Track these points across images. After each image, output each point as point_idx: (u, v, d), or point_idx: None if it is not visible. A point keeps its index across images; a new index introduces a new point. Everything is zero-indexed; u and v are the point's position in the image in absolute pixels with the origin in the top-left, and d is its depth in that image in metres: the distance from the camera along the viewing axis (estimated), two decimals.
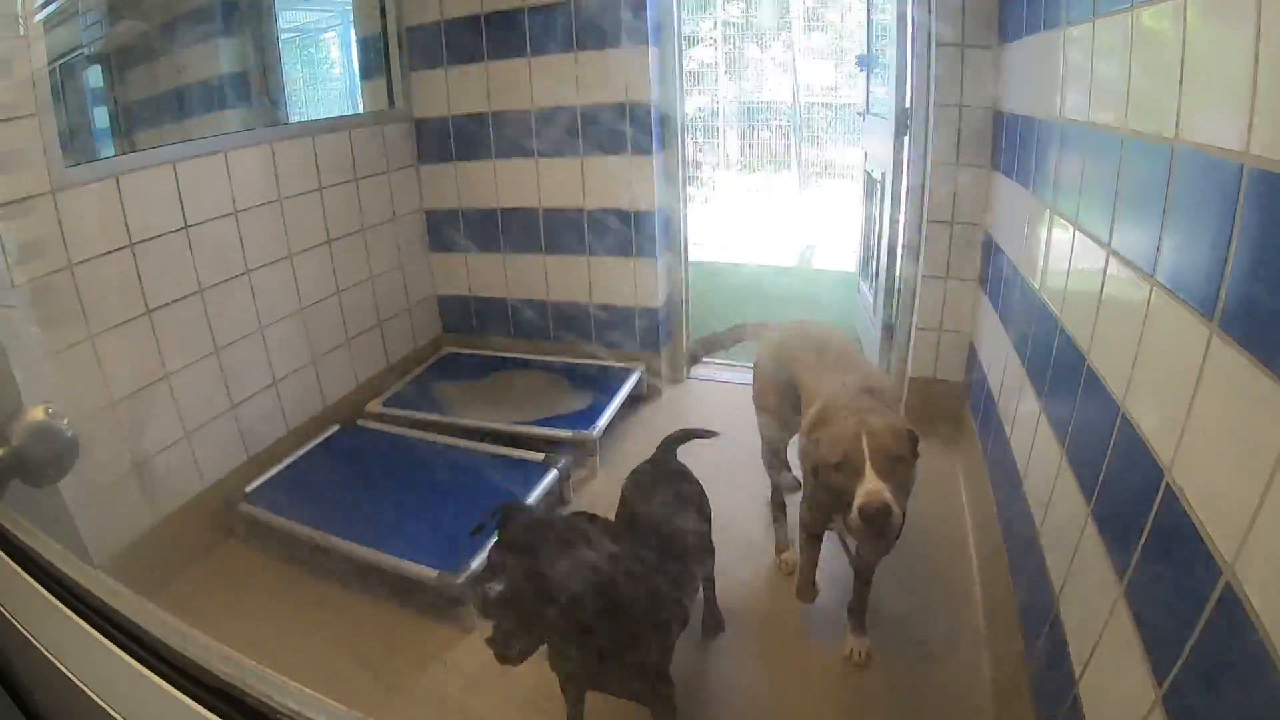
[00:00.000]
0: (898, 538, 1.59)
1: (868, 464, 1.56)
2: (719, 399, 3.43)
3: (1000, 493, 2.09)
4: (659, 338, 3.41)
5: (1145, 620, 1.02)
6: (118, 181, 2.16)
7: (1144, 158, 1.17)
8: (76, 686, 0.62)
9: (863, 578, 1.95)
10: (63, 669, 0.64)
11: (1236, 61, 0.86)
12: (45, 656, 0.65)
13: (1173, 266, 1.04)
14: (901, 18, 2.81)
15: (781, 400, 2.19)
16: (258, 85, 2.91)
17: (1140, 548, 1.05)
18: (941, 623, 2.06)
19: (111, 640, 0.65)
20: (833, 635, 2.01)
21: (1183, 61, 1.02)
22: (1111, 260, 1.29)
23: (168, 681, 0.61)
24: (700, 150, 9.69)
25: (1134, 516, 1.07)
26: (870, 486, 1.53)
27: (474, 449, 2.78)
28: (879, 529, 1.52)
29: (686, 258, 3.47)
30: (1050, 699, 1.40)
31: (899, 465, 1.59)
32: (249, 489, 2.54)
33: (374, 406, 3.14)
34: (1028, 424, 1.81)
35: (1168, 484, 0.98)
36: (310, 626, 2.14)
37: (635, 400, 3.30)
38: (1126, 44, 1.26)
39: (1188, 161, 1.00)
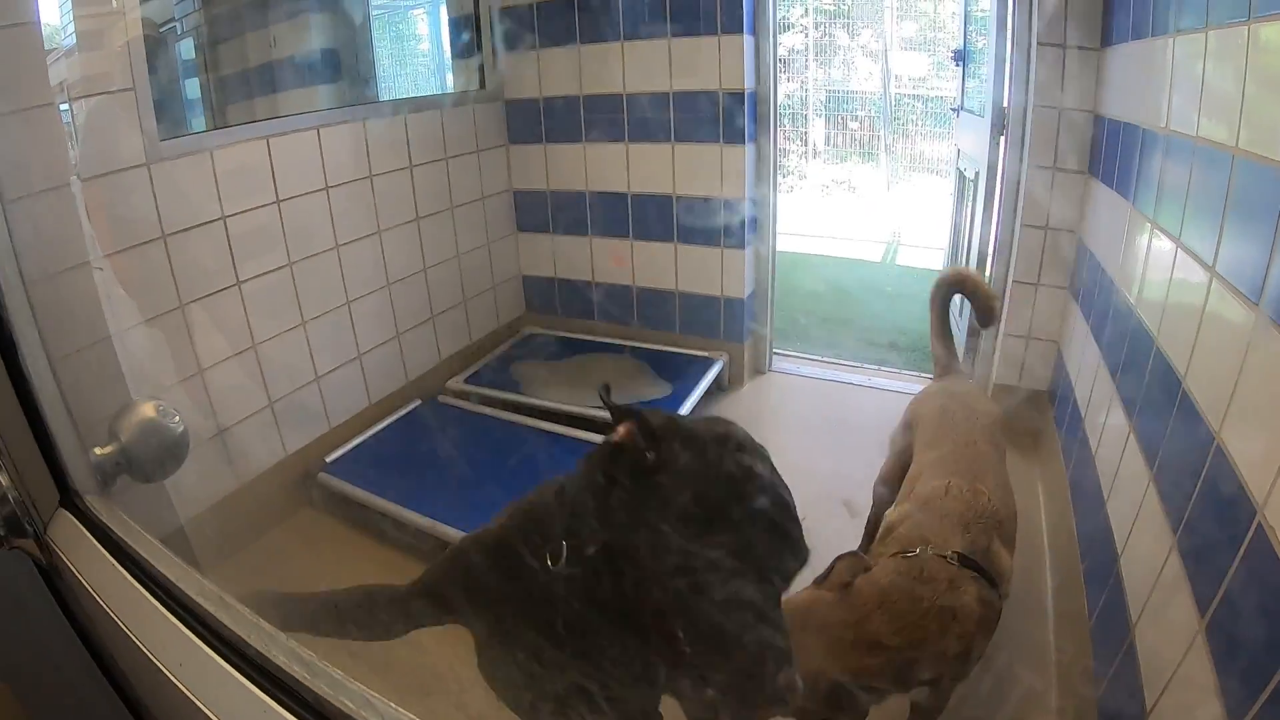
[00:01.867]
0: None
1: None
2: (801, 392, 3.40)
3: (1081, 510, 2.04)
4: (743, 328, 3.40)
5: (1224, 664, 0.99)
6: (211, 155, 2.23)
7: (1255, 181, 1.12)
8: (166, 677, 0.65)
9: None
10: (154, 660, 0.67)
11: None
12: (140, 649, 0.68)
13: None
14: (1001, 14, 2.73)
15: (896, 459, 1.91)
16: (349, 62, 2.97)
17: (1225, 587, 1.01)
18: (1010, 636, 2.02)
19: (197, 634, 0.68)
20: None
21: None
22: (1214, 282, 1.24)
23: (245, 676, 0.64)
24: (787, 138, 9.57)
25: (1221, 553, 1.03)
26: None
27: (551, 431, 2.80)
28: None
29: (775, 250, 3.43)
30: None
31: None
32: (329, 459, 2.61)
33: (455, 383, 3.20)
34: (1115, 442, 1.75)
35: (1259, 524, 0.94)
36: None
37: (716, 390, 3.29)
38: (1241, 59, 1.20)
39: None
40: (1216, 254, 1.25)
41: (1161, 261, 1.56)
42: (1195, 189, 1.42)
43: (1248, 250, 1.12)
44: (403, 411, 2.96)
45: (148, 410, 0.83)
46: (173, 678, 0.65)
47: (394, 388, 3.03)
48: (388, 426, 2.86)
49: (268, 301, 2.45)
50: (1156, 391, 1.48)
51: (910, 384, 3.24)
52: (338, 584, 2.18)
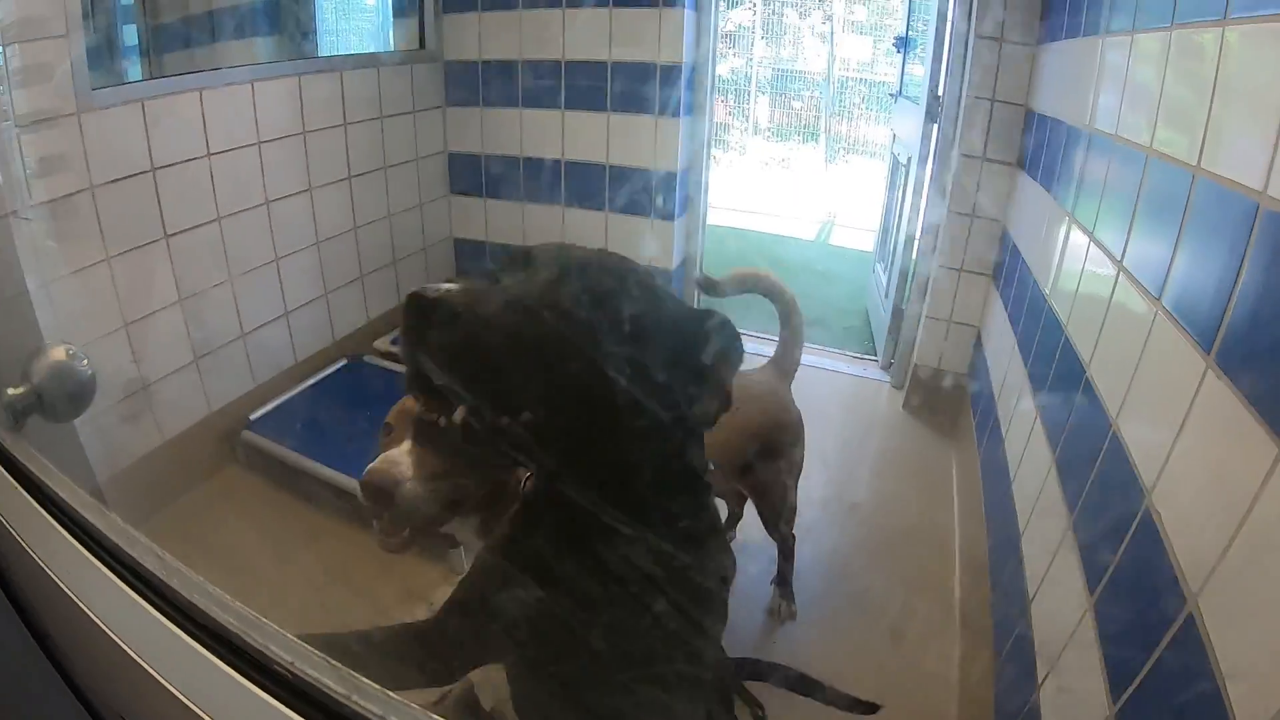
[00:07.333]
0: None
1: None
2: None
3: (990, 490, 2.11)
4: None
5: (1108, 639, 1.05)
6: (143, 106, 2.15)
7: (1165, 180, 1.17)
8: (80, 610, 0.67)
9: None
10: (66, 591, 0.69)
11: (1266, 97, 0.86)
12: (52, 580, 0.70)
13: (1179, 293, 1.05)
14: (943, 5, 2.78)
15: None
16: (290, 14, 2.89)
17: (1114, 566, 1.07)
18: (918, 611, 2.10)
19: (110, 569, 0.70)
20: None
21: (1213, 89, 1.01)
22: (1121, 276, 1.30)
23: (159, 610, 0.66)
24: (730, 114, 9.60)
25: (1111, 534, 1.09)
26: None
27: None
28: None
29: (704, 223, 3.46)
30: (1011, 703, 1.43)
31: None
32: (253, 417, 2.56)
33: (381, 344, 3.15)
34: (1023, 425, 1.82)
35: (1147, 508, 1.00)
36: (303, 552, 2.18)
37: None
38: (1161, 63, 1.25)
39: (1206, 192, 1.01)
40: (1125, 249, 1.30)
41: (1075, 254, 1.62)
42: (1111, 186, 1.47)
43: (1153, 247, 1.17)
44: (328, 371, 2.91)
45: (59, 354, 0.85)
46: (79, 603, 0.67)
47: (320, 346, 2.98)
48: (313, 385, 2.81)
49: (195, 256, 2.37)
50: (1063, 379, 1.54)
51: (831, 360, 3.33)
52: (260, 541, 2.19)
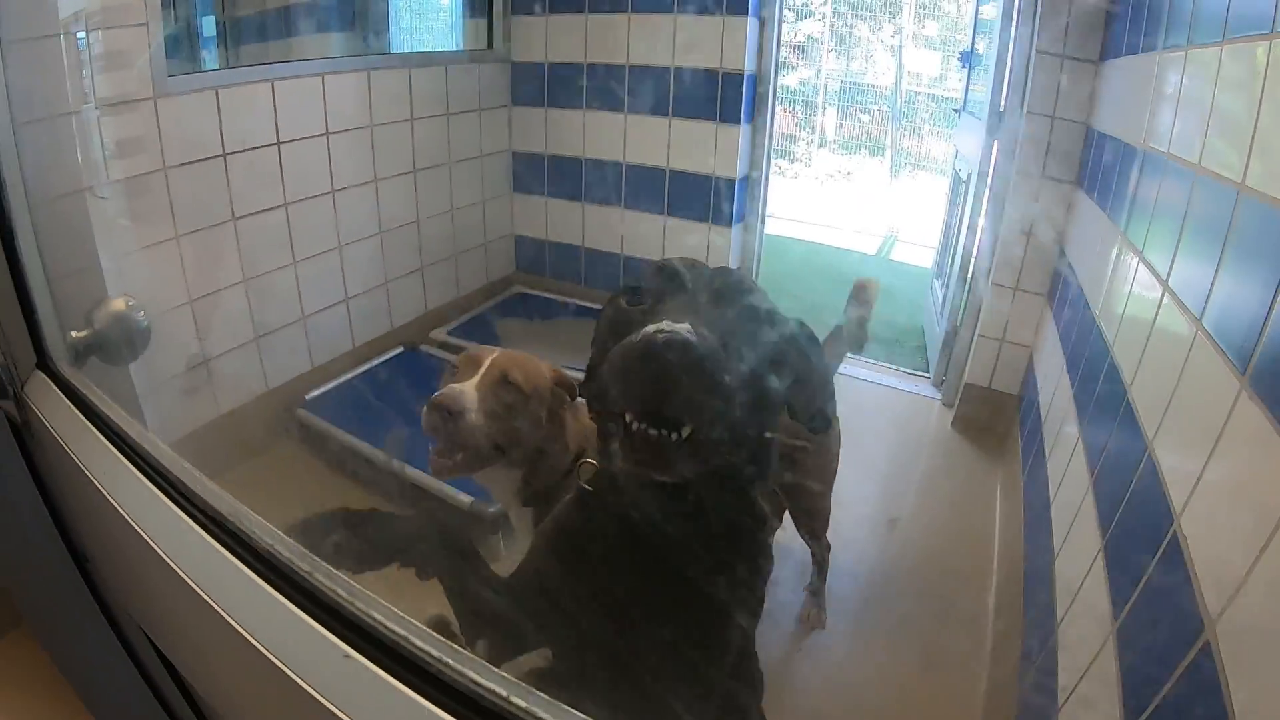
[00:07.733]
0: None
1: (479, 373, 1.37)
2: None
3: (1030, 512, 2.07)
4: None
5: (1127, 664, 1.02)
6: (217, 94, 2.25)
7: (1210, 198, 1.14)
8: (122, 518, 0.75)
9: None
10: (113, 503, 0.77)
11: None
12: (101, 493, 0.79)
13: (1218, 314, 1.02)
14: (1006, 20, 2.74)
15: None
16: (364, 11, 2.97)
17: (1139, 589, 1.05)
18: (949, 628, 2.06)
19: (153, 483, 0.79)
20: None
21: (1259, 105, 0.99)
22: (1166, 296, 1.27)
23: (199, 525, 0.75)
24: (797, 125, 9.55)
25: (1140, 557, 1.06)
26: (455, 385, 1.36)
27: None
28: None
29: (762, 232, 3.46)
30: None
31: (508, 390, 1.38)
32: (309, 396, 2.65)
33: (438, 334, 3.23)
34: (1066, 447, 1.79)
35: (1175, 531, 0.97)
36: None
37: None
38: (1211, 80, 1.22)
39: (1248, 209, 0.98)
40: (1171, 268, 1.27)
41: (1125, 274, 1.59)
42: (1161, 204, 1.44)
43: (1197, 266, 1.15)
44: (385, 357, 2.99)
45: (119, 304, 0.96)
46: (133, 523, 0.74)
47: (378, 333, 3.07)
48: (368, 370, 2.89)
49: (261, 239, 2.49)
50: (1105, 400, 1.51)
51: (882, 375, 3.29)
52: (306, 511, 2.23)
